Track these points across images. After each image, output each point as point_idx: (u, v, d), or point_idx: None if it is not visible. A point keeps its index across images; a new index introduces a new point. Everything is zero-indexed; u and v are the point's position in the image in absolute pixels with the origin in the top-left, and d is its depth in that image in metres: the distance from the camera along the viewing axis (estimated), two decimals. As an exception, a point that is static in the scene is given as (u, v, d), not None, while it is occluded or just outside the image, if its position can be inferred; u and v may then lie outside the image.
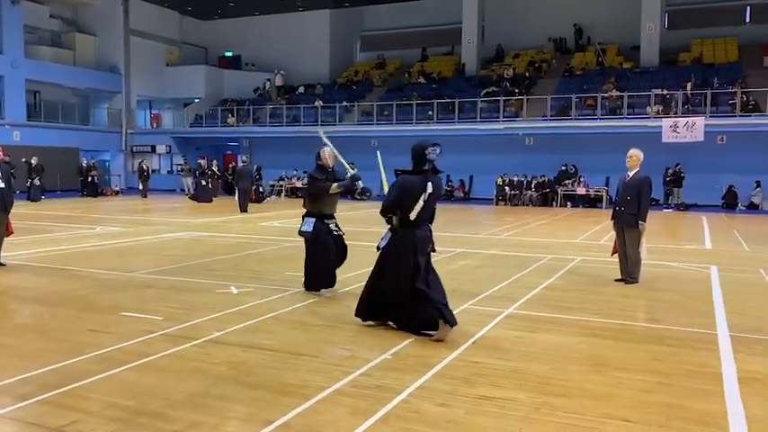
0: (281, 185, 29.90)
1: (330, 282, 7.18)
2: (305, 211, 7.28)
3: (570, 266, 9.70)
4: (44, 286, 7.84)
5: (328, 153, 7.36)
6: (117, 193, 30.40)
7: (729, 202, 23.70)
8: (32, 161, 24.41)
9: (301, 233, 7.09)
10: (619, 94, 25.96)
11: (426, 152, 5.52)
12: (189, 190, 29.65)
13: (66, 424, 3.70)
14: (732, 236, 14.53)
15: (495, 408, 4.01)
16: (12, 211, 9.36)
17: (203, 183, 25.31)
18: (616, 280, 8.40)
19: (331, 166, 7.27)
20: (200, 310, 6.49)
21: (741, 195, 23.66)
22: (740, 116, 23.53)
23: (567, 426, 3.74)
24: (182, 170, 30.97)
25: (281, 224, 16.26)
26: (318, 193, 7.13)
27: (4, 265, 9.06)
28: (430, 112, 28.45)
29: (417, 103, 28.81)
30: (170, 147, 34.09)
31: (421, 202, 5.48)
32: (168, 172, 34.56)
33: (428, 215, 5.66)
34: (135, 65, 34.02)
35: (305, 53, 35.24)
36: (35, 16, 31.00)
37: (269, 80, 35.15)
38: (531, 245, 12.43)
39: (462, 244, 12.16)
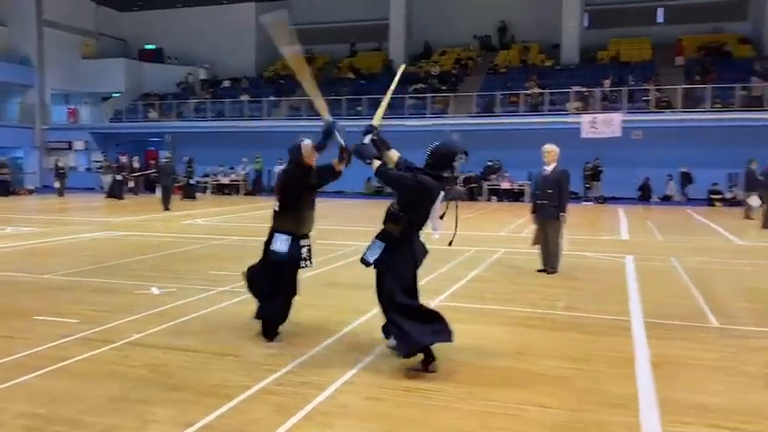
0: (207, 182, 29.20)
1: (285, 318, 5.46)
2: (271, 225, 5.41)
3: (494, 258, 9.93)
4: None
5: (310, 148, 5.24)
6: (31, 192, 28.90)
7: (644, 195, 24.84)
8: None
9: (274, 253, 5.17)
10: (540, 91, 26.73)
11: (455, 158, 4.82)
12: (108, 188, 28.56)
13: (-30, 436, 3.49)
14: (646, 227, 15.24)
15: (421, 399, 4.06)
16: None
17: (119, 179, 24.48)
18: (538, 270, 8.66)
19: (313, 164, 5.30)
20: (120, 312, 6.26)
21: (656, 188, 24.84)
22: (654, 112, 24.70)
23: (488, 414, 3.83)
24: (101, 167, 29.75)
25: (205, 222, 15.89)
26: (297, 197, 5.34)
27: None
28: (359, 108, 28.45)
29: (346, 98, 28.75)
30: (88, 143, 32.68)
31: (433, 211, 4.76)
32: (87, 169, 33.11)
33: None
34: (49, 57, 32.39)
35: (230, 46, 34.51)
36: (-64, 4, 29.07)
37: (191, 74, 34.23)
38: (456, 238, 12.60)
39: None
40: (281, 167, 5.16)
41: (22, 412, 3.82)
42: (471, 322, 5.98)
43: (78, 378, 4.45)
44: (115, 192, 24.09)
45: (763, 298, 7.18)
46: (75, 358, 4.85)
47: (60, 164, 27.36)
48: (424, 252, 4.89)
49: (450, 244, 4.91)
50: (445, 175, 4.78)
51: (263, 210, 19.61)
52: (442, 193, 4.76)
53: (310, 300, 6.80)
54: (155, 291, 7.32)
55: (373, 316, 6.21)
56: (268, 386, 4.27)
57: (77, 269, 8.78)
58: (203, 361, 4.81)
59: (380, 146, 4.85)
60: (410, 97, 28.25)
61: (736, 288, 7.78)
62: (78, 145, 32.80)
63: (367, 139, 4.78)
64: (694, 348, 5.20)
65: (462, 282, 7.98)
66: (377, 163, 4.71)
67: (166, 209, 19.06)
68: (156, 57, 36.01)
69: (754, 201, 16.68)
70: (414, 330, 4.47)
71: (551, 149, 8.62)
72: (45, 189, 30.10)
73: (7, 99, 32.55)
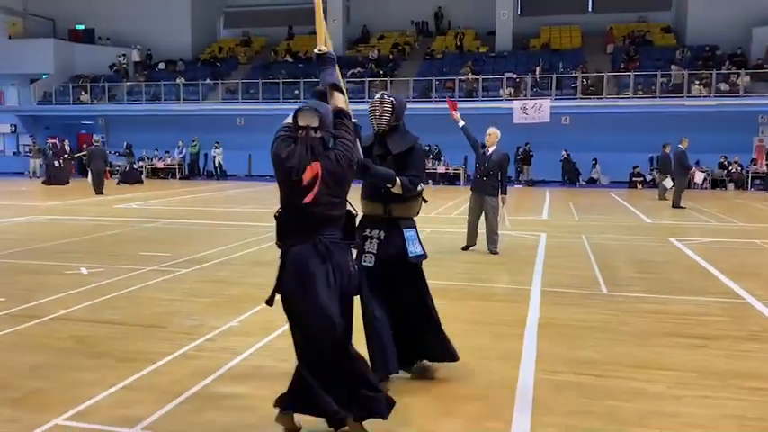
0: (142, 166, 28.78)
1: None
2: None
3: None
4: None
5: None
6: (-46, 176, 27.86)
7: (571, 178, 25.95)
8: None
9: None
10: (475, 77, 27.45)
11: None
12: (37, 173, 27.82)
13: None
14: (567, 208, 16.10)
15: (328, 360, 4.47)
16: None
17: (57, 164, 23.87)
18: (463, 248, 9.15)
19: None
20: (47, 291, 6.44)
21: (583, 172, 25.98)
22: (581, 98, 25.77)
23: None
24: (30, 151, 28.90)
25: (138, 206, 15.86)
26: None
27: None
28: (297, 91, 28.55)
29: (284, 82, 28.80)
30: (15, 126, 31.62)
31: None
32: (14, 153, 32.06)
33: None
34: (-29, 36, 31.09)
35: (164, 28, 33.83)
36: None
37: (124, 55, 33.47)
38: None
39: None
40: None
41: (-51, 380, 4.05)
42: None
43: (6, 349, 4.68)
44: (55, 178, 23.44)
45: (654, 269, 7.92)
46: (3, 332, 5.06)
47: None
48: None
49: None
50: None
51: (198, 194, 19.63)
52: None
53: (238, 278, 7.15)
54: (83, 270, 7.49)
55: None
56: (188, 351, 4.61)
57: (4, 251, 8.81)
58: (128, 332, 5.10)
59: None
60: (348, 82, 28.50)
61: (631, 260, 8.52)
62: (4, 128, 31.71)
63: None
64: (580, 312, 5.82)
65: (384, 258, 8.43)
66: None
67: (99, 193, 18.86)
68: (87, 37, 34.96)
69: (668, 182, 17.82)
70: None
71: (492, 132, 9.03)
72: (-30, 174, 29.04)
73: (-74, 79, 31.11)
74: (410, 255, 3.98)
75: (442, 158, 26.37)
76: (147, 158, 28.68)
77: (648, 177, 24.34)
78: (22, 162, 29.80)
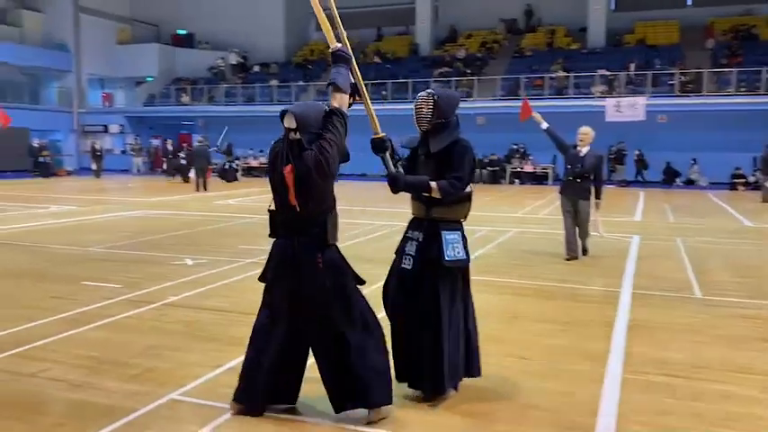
0: (238, 165, 30.07)
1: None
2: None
3: (505, 237, 10.45)
4: (4, 261, 8.17)
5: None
6: (69, 173, 30.12)
7: (668, 179, 24.95)
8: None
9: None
10: (565, 74, 26.89)
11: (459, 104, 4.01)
12: (140, 170, 29.64)
13: (38, 371, 4.20)
14: (662, 209, 15.55)
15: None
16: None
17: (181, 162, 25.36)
18: (567, 259, 8.35)
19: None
20: (157, 280, 6.98)
21: (681, 172, 24.90)
22: (679, 96, 24.71)
23: (474, 363, 4.41)
24: (132, 150, 30.85)
25: (235, 202, 16.65)
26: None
27: None
28: (384, 92, 28.96)
29: (372, 83, 29.25)
30: (123, 126, 33.80)
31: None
32: (122, 152, 34.30)
33: None
34: (85, 43, 33.48)
35: (260, 31, 35.19)
36: (-21, -8, 30.24)
37: (223, 58, 35.03)
38: (472, 219, 13.03)
39: (405, 219, 12.77)
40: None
41: (77, 355, 4.54)
42: (473, 292, 6.52)
43: (123, 331, 5.15)
44: (227, 175, 25.30)
45: (753, 274, 7.61)
46: (120, 315, 5.56)
47: (97, 146, 28.47)
48: None
49: None
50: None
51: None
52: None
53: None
54: (188, 262, 8.04)
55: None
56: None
57: (117, 243, 9.57)
58: (231, 319, 5.48)
59: (396, 161, 3.89)
60: (434, 81, 28.63)
61: (728, 264, 8.20)
62: (113, 128, 33.95)
63: (390, 164, 3.81)
64: (671, 315, 5.71)
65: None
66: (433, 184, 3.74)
67: (203, 189, 19.87)
68: (188, 42, 36.90)
69: (772, 184, 16.86)
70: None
71: (587, 131, 8.35)
72: (82, 171, 31.32)
73: (46, 84, 33.81)
74: (446, 258, 3.67)
75: (530, 157, 26.02)
76: (243, 157, 29.93)
77: (751, 179, 23.04)
78: (129, 159, 31.81)
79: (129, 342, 4.84)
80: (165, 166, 28.64)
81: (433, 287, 3.69)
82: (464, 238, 3.84)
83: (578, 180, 8.28)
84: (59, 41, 33.07)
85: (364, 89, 3.80)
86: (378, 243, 9.64)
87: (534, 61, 29.15)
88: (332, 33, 3.58)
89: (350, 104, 3.64)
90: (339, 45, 3.55)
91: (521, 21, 33.58)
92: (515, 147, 26.48)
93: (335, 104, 3.43)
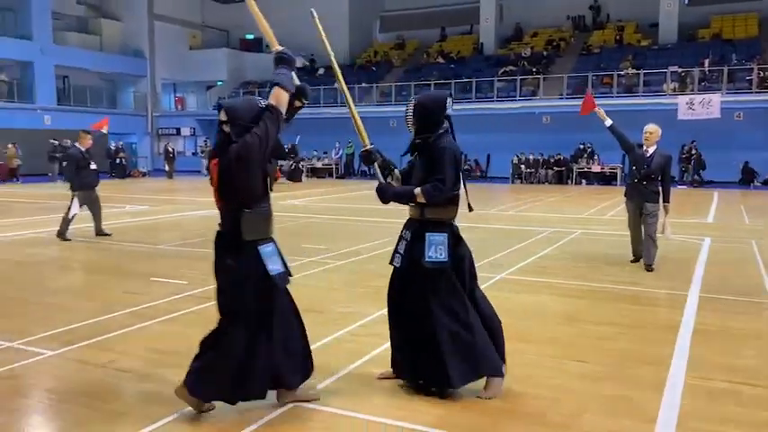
0: (303, 166, 30.65)
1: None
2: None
3: (568, 239, 10.24)
4: (80, 257, 8.63)
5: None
6: (144, 174, 31.40)
7: (746, 179, 23.82)
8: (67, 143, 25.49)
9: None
10: (635, 71, 26.09)
11: (447, 105, 3.96)
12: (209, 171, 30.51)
13: (108, 362, 4.43)
14: (737, 210, 14.88)
15: (471, 351, 4.64)
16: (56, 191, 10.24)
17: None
18: (632, 261, 8.03)
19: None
20: (221, 276, 7.20)
21: (761, 172, 23.73)
22: (757, 92, 23.57)
23: (527, 365, 4.36)
24: (202, 152, 31.88)
25: (299, 202, 16.97)
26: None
27: (69, 240, 9.96)
28: (449, 92, 28.80)
29: (435, 83, 29.21)
30: (194, 129, 34.97)
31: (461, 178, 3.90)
32: (193, 154, 35.50)
33: None
34: (159, 49, 34.85)
35: (324, 34, 35.64)
36: (62, 3, 31.90)
37: (289, 62, 35.66)
38: (536, 220, 12.96)
39: (470, 219, 12.67)
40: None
41: (144, 347, 4.75)
42: (528, 293, 6.47)
43: (187, 325, 5.36)
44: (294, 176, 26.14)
45: (835, 279, 7.19)
46: (185, 310, 5.79)
47: (170, 148, 29.61)
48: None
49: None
50: (447, 128, 3.95)
51: (353, 192, 20.53)
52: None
53: (387, 271, 7.50)
54: (251, 260, 8.25)
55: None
56: (342, 336, 5.00)
57: (186, 241, 9.94)
58: (289, 316, 5.60)
59: (387, 170, 4.06)
60: (498, 80, 28.34)
61: (809, 269, 7.78)
62: (185, 131, 35.20)
63: (380, 174, 4.00)
64: (741, 320, 5.47)
65: (531, 259, 8.41)
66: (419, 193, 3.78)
67: (269, 189, 20.24)
68: (256, 46, 37.82)
69: None
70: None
71: (654, 129, 7.73)
72: (156, 172, 32.60)
73: (122, 89, 35.41)
74: (426, 259, 3.74)
75: (596, 157, 25.37)
76: (307, 158, 30.48)
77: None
78: (199, 161, 32.86)
79: (192, 336, 4.99)
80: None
81: (419, 285, 3.82)
82: (452, 240, 3.83)
83: (644, 182, 7.69)
84: (136, 48, 34.55)
85: (351, 100, 4.05)
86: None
87: (602, 59, 28.42)
88: (272, 35, 3.79)
89: (298, 107, 3.80)
90: (281, 48, 3.68)
91: (588, 17, 32.79)
92: (582, 146, 25.88)
93: (272, 101, 3.50)
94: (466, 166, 28.49)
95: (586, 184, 25.02)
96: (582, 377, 4.16)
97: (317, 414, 3.60)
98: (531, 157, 26.51)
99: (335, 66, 4.16)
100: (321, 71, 34.89)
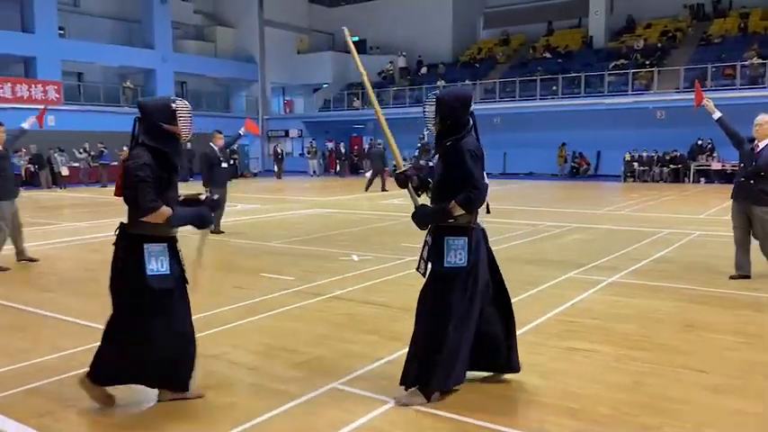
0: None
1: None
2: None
3: (685, 241, 9.65)
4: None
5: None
6: (255, 174, 32.73)
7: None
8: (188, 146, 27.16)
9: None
10: (761, 61, 24.19)
11: (471, 102, 3.80)
12: (316, 171, 31.46)
13: (220, 353, 4.63)
14: None
15: (578, 357, 4.47)
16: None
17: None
18: (731, 277, 6.94)
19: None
20: (326, 273, 7.37)
21: None
22: None
23: (643, 373, 4.13)
24: (308, 152, 32.81)
25: (400, 202, 17.05)
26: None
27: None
28: (554, 87, 28.04)
29: (541, 79, 28.47)
30: (301, 131, 36.04)
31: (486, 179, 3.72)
32: (300, 155, 36.60)
33: None
34: (269, 54, 36.19)
35: (428, 33, 35.70)
36: (181, 13, 33.85)
37: (392, 62, 36.02)
38: (650, 220, 12.32)
39: (579, 219, 12.30)
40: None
41: (255, 341, 4.93)
42: (642, 297, 6.13)
43: (294, 320, 5.51)
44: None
45: None
46: (292, 306, 5.95)
47: (278, 150, 30.75)
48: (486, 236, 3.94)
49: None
50: (471, 125, 3.76)
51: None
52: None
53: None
54: (354, 257, 8.40)
55: (548, 286, 6.65)
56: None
57: (293, 238, 10.25)
58: (392, 314, 5.63)
59: (422, 189, 3.99)
60: (609, 74, 27.19)
61: None
62: (293, 133, 36.36)
63: (413, 197, 3.91)
64: None
65: (644, 262, 7.99)
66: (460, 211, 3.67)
67: (383, 189, 20.35)
68: (360, 48, 38.41)
69: None
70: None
71: (764, 121, 6.78)
72: (266, 172, 33.90)
73: (235, 93, 37.11)
74: (445, 265, 3.64)
75: (716, 154, 23.76)
76: (408, 159, 30.58)
77: None
78: (306, 162, 33.88)
79: (299, 331, 5.16)
80: (337, 168, 30.15)
81: (436, 290, 3.70)
82: (472, 243, 3.68)
83: (752, 181, 6.73)
84: (247, 54, 36.09)
85: (384, 122, 4.03)
86: (539, 245, 9.37)
87: (723, 49, 26.57)
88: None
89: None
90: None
91: (708, 5, 30.77)
92: (700, 142, 24.34)
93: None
94: (573, 164, 27.65)
95: (705, 182, 23.51)
96: (702, 388, 3.88)
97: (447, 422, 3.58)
98: (644, 154, 25.25)
99: (368, 85, 4.29)
100: (424, 70, 34.95)
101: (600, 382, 3.99)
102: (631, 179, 25.07)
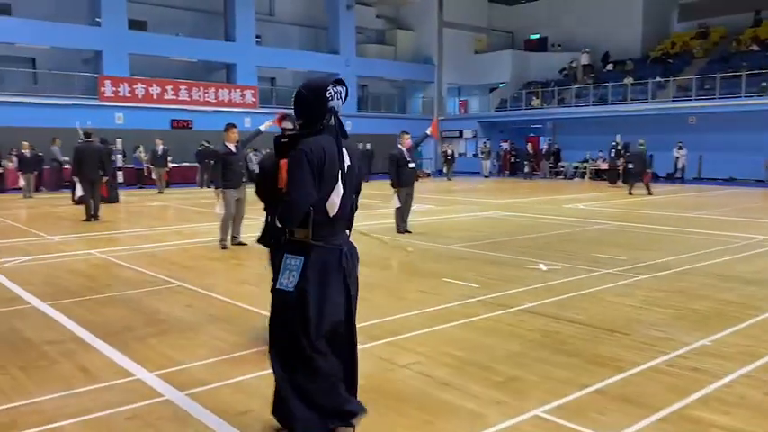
0: (585, 167, 29.30)
1: None
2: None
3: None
4: (377, 251, 9.08)
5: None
6: (428, 175, 32.94)
7: None
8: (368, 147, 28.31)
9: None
10: None
11: (327, 93, 3.06)
12: (491, 173, 30.92)
13: (409, 363, 4.43)
14: None
15: (838, 407, 3.67)
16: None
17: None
18: None
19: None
20: (512, 282, 6.96)
21: None
22: None
23: None
24: (482, 153, 32.33)
25: (585, 206, 16.07)
26: None
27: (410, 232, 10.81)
28: (764, 83, 24.97)
29: (747, 74, 25.50)
30: (476, 131, 35.66)
31: (340, 187, 3.05)
32: (474, 155, 36.24)
33: (348, 210, 3.18)
34: (446, 55, 36.25)
35: (614, 29, 33.58)
36: (364, 18, 35.03)
37: (574, 59, 34.39)
38: None
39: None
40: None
41: (444, 352, 4.68)
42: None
43: (484, 333, 5.19)
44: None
45: None
46: (479, 316, 5.63)
47: (448, 151, 30.79)
48: (355, 257, 3.28)
49: None
50: (327, 122, 3.08)
51: (641, 197, 18.83)
52: (345, 152, 3.11)
53: (703, 291, 6.52)
54: (542, 267, 7.87)
55: (778, 313, 5.72)
56: (658, 365, 4.35)
57: (472, 242, 9.94)
58: (592, 334, 5.10)
59: None
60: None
61: None
62: (467, 133, 36.11)
63: None
64: None
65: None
66: None
67: (648, 193, 19.35)
68: (540, 46, 37.24)
69: None
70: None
71: None
72: (439, 173, 33.98)
73: (412, 95, 37.68)
74: (276, 285, 3.07)
75: None
76: (591, 160, 29.00)
77: None
78: (478, 162, 33.48)
79: (491, 346, 4.83)
80: (519, 168, 29.49)
81: (272, 311, 3.19)
82: (308, 266, 3.01)
83: None
84: (426, 55, 36.46)
85: None
86: (758, 262, 8.16)
87: None
88: None
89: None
90: None
91: None
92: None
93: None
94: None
95: None
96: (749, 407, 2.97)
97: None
98: None
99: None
100: (610, 67, 32.94)
101: None
102: None
